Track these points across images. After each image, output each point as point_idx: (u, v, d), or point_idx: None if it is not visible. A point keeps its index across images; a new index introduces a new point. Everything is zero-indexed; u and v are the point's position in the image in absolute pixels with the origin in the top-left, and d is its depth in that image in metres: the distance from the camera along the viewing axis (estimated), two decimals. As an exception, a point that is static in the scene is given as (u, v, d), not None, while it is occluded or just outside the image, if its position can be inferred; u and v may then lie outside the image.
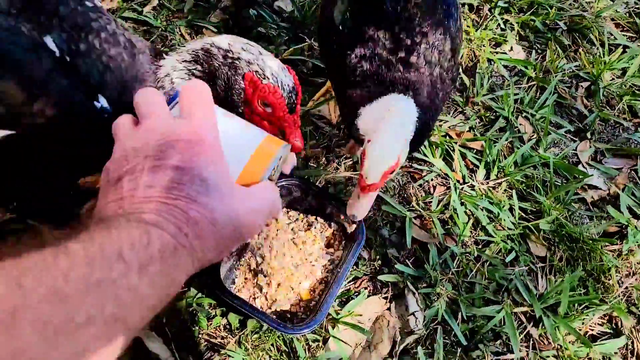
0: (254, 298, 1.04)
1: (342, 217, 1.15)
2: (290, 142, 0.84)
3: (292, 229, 1.14)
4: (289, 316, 1.03)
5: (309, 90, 1.53)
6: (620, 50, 1.80)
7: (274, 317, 0.99)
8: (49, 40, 0.78)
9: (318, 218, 1.17)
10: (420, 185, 1.40)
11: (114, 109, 0.84)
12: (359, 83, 1.06)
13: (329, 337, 1.12)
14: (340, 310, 1.15)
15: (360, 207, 1.00)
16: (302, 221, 1.17)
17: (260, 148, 0.60)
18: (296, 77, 0.86)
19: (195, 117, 0.54)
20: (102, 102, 0.83)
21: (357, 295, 1.18)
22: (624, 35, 1.87)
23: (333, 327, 1.12)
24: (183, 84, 0.62)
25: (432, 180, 1.41)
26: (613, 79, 1.76)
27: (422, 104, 1.02)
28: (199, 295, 1.13)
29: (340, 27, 1.10)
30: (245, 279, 1.07)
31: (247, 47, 0.82)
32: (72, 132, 0.84)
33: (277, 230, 1.11)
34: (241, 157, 0.58)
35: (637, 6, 1.95)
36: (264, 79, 0.80)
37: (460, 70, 1.57)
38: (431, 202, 1.36)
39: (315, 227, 1.15)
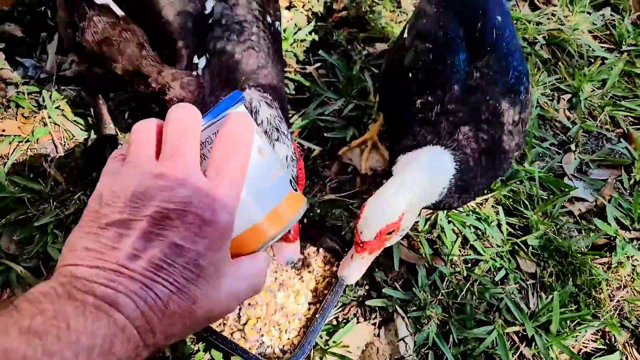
0: (233, 332, 1.01)
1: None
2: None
3: (280, 283, 1.09)
4: (273, 351, 1.00)
5: (291, 109, 1.51)
6: (599, 61, 1.81)
7: (258, 353, 0.96)
8: None
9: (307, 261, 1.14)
10: (406, 205, 1.39)
11: None
12: (415, 132, 1.00)
13: (318, 368, 1.09)
14: (329, 339, 1.12)
15: (352, 270, 0.93)
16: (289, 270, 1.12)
17: (279, 207, 0.53)
18: (302, 170, 0.87)
19: (222, 183, 0.45)
20: None
21: (345, 323, 1.15)
22: (602, 46, 1.89)
23: (321, 359, 1.09)
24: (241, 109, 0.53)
25: (418, 199, 1.40)
26: (593, 90, 1.77)
27: (466, 162, 0.95)
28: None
29: (410, 75, 1.07)
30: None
31: (270, 130, 0.82)
32: None
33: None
34: (254, 211, 0.52)
35: (613, 18, 1.97)
36: None
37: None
38: (418, 221, 1.35)
39: (303, 277, 1.11)
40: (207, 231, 0.43)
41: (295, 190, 0.59)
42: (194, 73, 0.94)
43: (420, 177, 0.89)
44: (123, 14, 0.93)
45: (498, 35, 1.05)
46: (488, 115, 0.98)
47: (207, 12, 0.97)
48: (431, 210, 1.37)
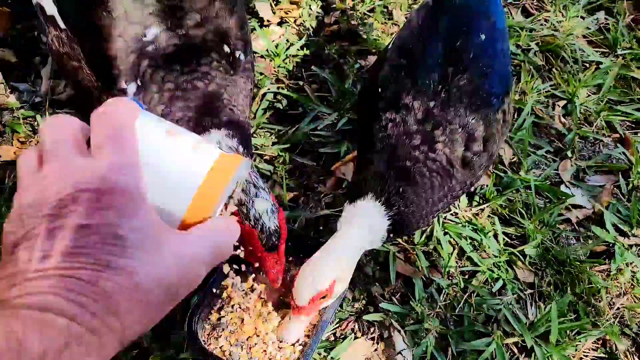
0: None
1: None
2: (267, 274, 0.92)
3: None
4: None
5: (285, 125, 1.52)
6: (593, 66, 1.81)
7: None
8: None
9: None
10: (402, 217, 1.38)
11: None
12: (377, 152, 1.06)
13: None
14: (327, 355, 1.12)
15: (290, 332, 0.99)
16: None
17: (210, 175, 0.50)
18: (283, 221, 0.93)
19: (104, 155, 0.44)
20: None
21: (343, 339, 1.15)
22: (596, 51, 1.89)
23: (319, 376, 1.08)
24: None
25: (413, 211, 1.40)
26: (589, 95, 1.77)
27: (410, 196, 1.01)
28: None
29: (380, 91, 1.11)
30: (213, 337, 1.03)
31: (247, 187, 0.87)
32: None
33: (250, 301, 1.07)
34: (185, 190, 0.49)
35: (607, 22, 1.97)
36: (246, 220, 0.87)
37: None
38: (415, 234, 1.34)
39: None
40: (108, 200, 0.41)
41: (229, 151, 0.58)
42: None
43: (350, 246, 0.98)
44: (64, 27, 0.94)
45: (476, 56, 1.06)
46: (445, 139, 1.00)
47: (146, 39, 0.97)
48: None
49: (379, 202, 1.01)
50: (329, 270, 0.93)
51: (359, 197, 1.03)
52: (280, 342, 1.00)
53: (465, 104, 1.05)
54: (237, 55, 1.08)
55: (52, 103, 1.49)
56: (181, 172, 0.49)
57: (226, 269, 0.97)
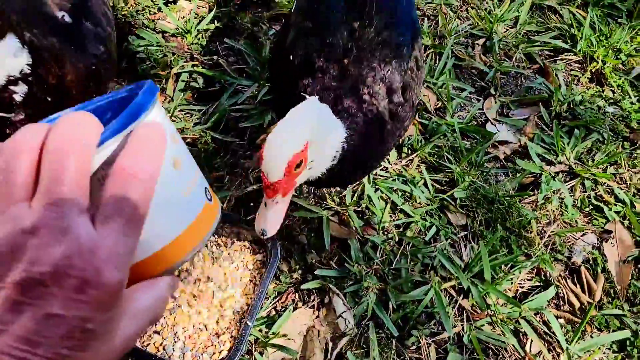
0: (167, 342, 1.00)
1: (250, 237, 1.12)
2: None
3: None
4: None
5: (201, 105, 1.47)
6: (508, 0, 1.81)
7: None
8: None
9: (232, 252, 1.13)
10: (332, 180, 1.38)
11: None
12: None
13: (261, 362, 1.09)
14: (269, 331, 1.12)
15: (267, 220, 0.86)
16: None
17: (192, 226, 0.46)
18: None
19: (112, 232, 0.37)
20: None
21: (284, 311, 1.15)
22: (510, -16, 1.88)
23: (262, 354, 1.09)
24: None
25: (343, 173, 1.39)
26: (507, 30, 1.77)
27: (357, 131, 0.93)
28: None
29: (292, 58, 1.04)
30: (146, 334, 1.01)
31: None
32: None
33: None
34: (162, 235, 0.45)
35: (518, -48, 1.96)
36: None
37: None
38: (345, 195, 1.34)
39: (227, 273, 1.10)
40: (92, 294, 0.36)
41: (210, 200, 0.52)
42: None
43: (312, 112, 0.86)
44: None
45: (379, 7, 1.03)
46: (369, 90, 0.97)
47: None
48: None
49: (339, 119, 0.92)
50: (299, 129, 0.81)
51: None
52: (263, 236, 0.88)
53: (377, 57, 1.02)
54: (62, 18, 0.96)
55: None
56: (175, 208, 0.45)
57: None
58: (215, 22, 1.67)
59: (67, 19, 0.95)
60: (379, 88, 0.98)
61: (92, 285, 0.35)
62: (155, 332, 0.99)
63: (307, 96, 0.94)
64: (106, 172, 0.41)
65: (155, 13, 1.68)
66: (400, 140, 1.45)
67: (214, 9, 1.70)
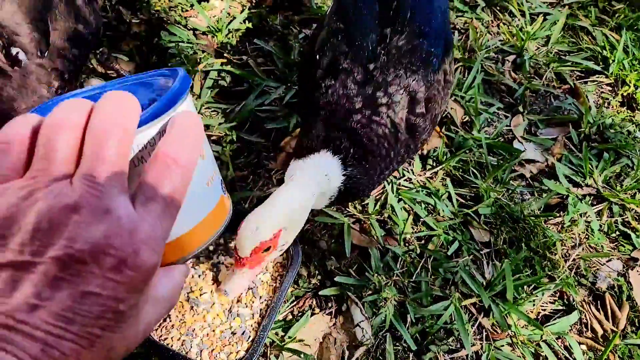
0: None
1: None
2: None
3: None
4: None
5: (228, 103, 1.47)
6: (541, 18, 1.79)
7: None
8: None
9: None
10: (355, 188, 1.36)
11: None
12: (319, 119, 1.00)
13: (275, 366, 1.07)
14: (285, 335, 1.10)
15: (234, 284, 0.91)
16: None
17: (209, 216, 0.47)
18: None
19: (151, 213, 0.38)
20: None
21: (301, 316, 1.13)
22: (543, 2, 1.87)
23: (277, 357, 1.07)
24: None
25: (367, 181, 1.37)
26: (538, 48, 1.75)
27: (357, 161, 0.96)
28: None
29: (318, 58, 1.05)
30: (165, 328, 1.00)
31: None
32: None
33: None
34: (182, 223, 0.44)
35: (553, -29, 1.94)
36: None
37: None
38: (368, 203, 1.32)
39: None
40: (128, 275, 0.36)
41: (225, 193, 0.53)
42: None
43: (300, 194, 0.90)
44: None
45: (413, 15, 1.02)
46: (387, 101, 0.97)
47: None
48: (380, 187, 1.35)
49: (337, 157, 0.96)
50: (274, 219, 0.85)
51: (311, 153, 0.96)
52: (225, 294, 0.93)
53: (405, 65, 1.01)
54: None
55: None
56: (198, 197, 0.46)
57: None
58: (247, 22, 1.67)
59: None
60: (401, 97, 0.97)
61: (129, 266, 0.36)
62: (173, 326, 0.98)
63: (316, 154, 0.97)
64: (142, 155, 0.42)
65: (187, 10, 1.69)
66: (423, 152, 1.43)
67: (246, 10, 1.70)
